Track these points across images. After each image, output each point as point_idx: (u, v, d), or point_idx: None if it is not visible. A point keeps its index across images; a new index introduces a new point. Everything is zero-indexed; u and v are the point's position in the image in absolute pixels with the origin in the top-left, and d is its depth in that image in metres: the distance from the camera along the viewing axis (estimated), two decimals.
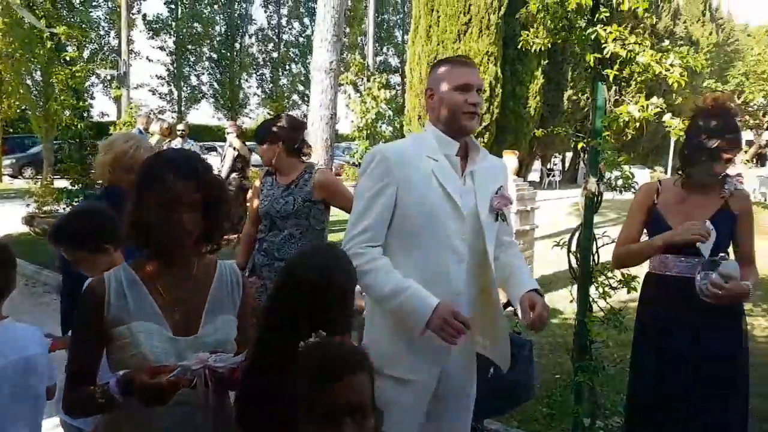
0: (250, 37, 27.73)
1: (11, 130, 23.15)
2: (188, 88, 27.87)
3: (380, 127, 10.09)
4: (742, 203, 2.48)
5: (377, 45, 30.74)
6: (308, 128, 6.18)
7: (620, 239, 2.66)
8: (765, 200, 16.46)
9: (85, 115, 6.06)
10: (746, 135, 17.27)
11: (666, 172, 18.02)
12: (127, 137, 2.76)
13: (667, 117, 2.72)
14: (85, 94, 7.34)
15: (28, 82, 17.76)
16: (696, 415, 2.43)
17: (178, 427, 1.57)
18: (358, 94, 9.54)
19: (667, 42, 2.96)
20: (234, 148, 8.40)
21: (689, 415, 2.44)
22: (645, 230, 2.65)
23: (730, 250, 2.47)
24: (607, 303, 2.99)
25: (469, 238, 2.02)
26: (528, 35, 3.03)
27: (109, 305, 1.56)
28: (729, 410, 2.44)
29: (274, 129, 3.23)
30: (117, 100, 22.08)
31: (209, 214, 1.60)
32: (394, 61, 34.11)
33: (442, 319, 1.82)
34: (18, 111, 19.73)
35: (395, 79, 27.07)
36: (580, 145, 2.92)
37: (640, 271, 2.74)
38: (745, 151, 15.87)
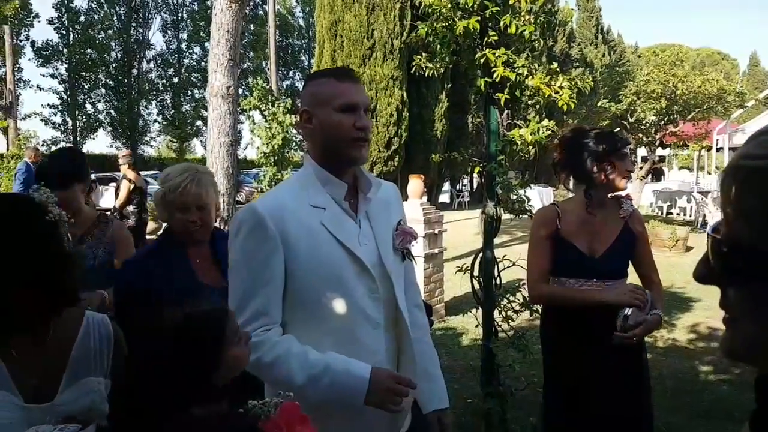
0: (149, 62, 26.66)
1: None
2: (83, 117, 26.30)
3: (289, 152, 9.90)
4: (639, 223, 2.54)
5: (284, 70, 30.53)
6: (207, 156, 5.90)
7: (533, 272, 2.53)
8: (661, 213, 17.52)
9: None
10: (641, 152, 18.36)
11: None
12: (185, 168, 2.28)
13: None
14: None
15: None
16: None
17: None
18: (264, 120, 9.32)
19: (555, 64, 3.00)
20: (129, 180, 7.85)
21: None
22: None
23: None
24: (510, 326, 2.96)
25: (379, 294, 1.69)
26: (420, 60, 3.00)
27: None
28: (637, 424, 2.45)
29: (77, 165, 2.72)
30: (4, 131, 20.55)
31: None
32: (301, 86, 33.88)
33: (383, 390, 1.53)
34: None
35: None
36: (477, 170, 2.90)
37: None
38: (641, 167, 16.93)
